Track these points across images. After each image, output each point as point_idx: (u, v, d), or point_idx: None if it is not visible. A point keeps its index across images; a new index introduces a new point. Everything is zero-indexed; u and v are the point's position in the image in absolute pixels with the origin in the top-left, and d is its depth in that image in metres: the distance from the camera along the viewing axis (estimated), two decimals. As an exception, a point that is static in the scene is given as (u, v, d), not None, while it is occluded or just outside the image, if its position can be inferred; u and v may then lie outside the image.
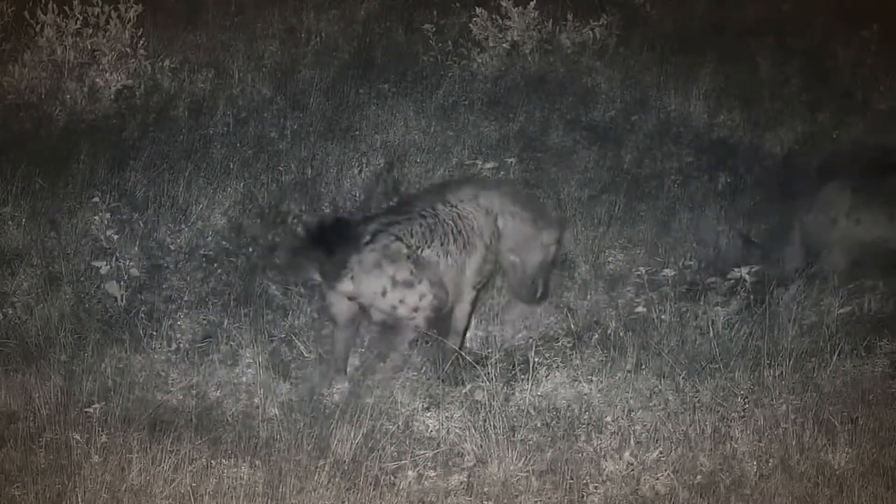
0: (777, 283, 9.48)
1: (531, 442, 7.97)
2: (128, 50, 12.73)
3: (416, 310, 8.48)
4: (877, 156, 10.10)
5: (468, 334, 9.15)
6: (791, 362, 8.58)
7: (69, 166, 11.21)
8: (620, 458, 7.67)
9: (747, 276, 9.38)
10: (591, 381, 8.58)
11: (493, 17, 13.38)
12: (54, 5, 12.71)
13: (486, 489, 7.58)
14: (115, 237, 9.80)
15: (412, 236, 8.59)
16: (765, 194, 10.84)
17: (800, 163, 11.45)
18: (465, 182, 9.19)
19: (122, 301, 9.43)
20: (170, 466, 7.55)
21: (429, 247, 8.58)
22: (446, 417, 8.24)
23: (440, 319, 8.78)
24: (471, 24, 13.43)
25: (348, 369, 8.78)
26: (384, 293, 8.45)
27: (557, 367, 8.78)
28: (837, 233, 9.77)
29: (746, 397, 8.22)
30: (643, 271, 9.56)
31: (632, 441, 7.90)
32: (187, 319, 9.29)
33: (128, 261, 9.68)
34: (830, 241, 9.77)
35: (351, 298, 8.48)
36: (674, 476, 7.60)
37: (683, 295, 9.58)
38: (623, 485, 7.57)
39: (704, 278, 9.84)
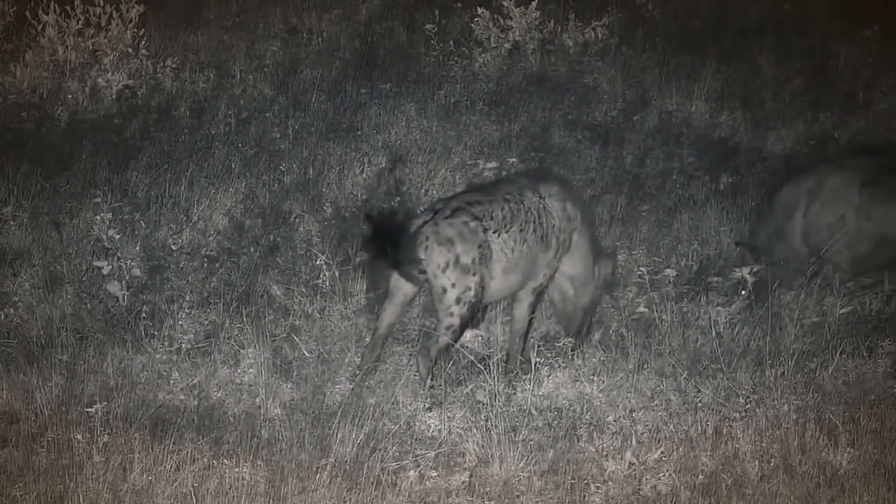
0: (779, 284, 9.48)
1: (533, 442, 7.97)
2: (129, 50, 12.74)
3: (458, 301, 8.48)
4: (886, 153, 10.11)
5: (470, 334, 9.18)
6: (793, 362, 8.58)
7: (71, 166, 11.22)
8: (622, 458, 7.67)
9: (749, 276, 9.38)
10: (593, 381, 8.58)
11: (495, 17, 13.39)
12: (56, 5, 12.73)
13: (487, 489, 7.58)
14: (117, 237, 9.80)
15: (492, 218, 8.61)
16: (765, 191, 10.84)
17: (803, 159, 11.46)
18: (557, 182, 9.15)
19: (123, 301, 9.43)
20: (171, 466, 7.55)
21: (507, 231, 8.60)
22: (448, 417, 8.25)
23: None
24: (472, 24, 13.44)
25: (350, 370, 8.79)
26: (444, 269, 8.46)
27: (559, 366, 8.78)
28: (845, 229, 9.73)
29: (748, 397, 8.22)
30: (644, 271, 9.56)
31: (633, 441, 7.90)
32: (189, 319, 9.29)
33: (129, 261, 9.68)
34: (837, 237, 9.74)
35: (421, 272, 8.50)
36: (675, 476, 7.60)
37: (685, 295, 9.58)
38: (625, 485, 7.57)
39: (706, 278, 9.84)
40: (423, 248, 8.46)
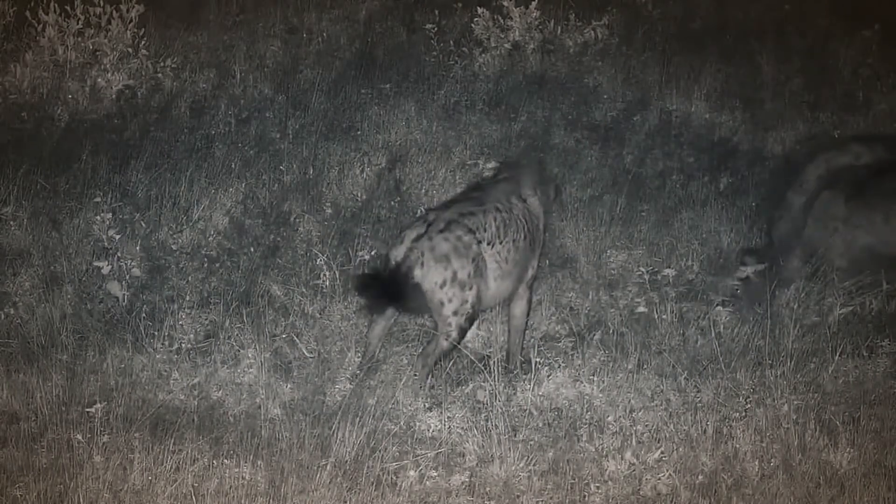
0: (779, 283, 9.49)
1: (533, 442, 7.98)
2: (129, 50, 12.74)
3: (455, 313, 8.50)
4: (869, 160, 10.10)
5: (470, 334, 9.19)
6: (793, 362, 8.59)
7: (71, 166, 11.21)
8: (622, 458, 7.67)
9: (752, 276, 9.39)
10: (593, 380, 8.59)
11: (495, 17, 13.38)
12: (56, 5, 12.72)
13: (487, 489, 7.59)
14: (117, 237, 9.80)
15: (485, 230, 8.61)
16: (770, 196, 10.83)
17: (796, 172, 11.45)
18: (529, 174, 9.13)
19: (123, 301, 9.43)
20: (172, 466, 7.55)
21: (501, 243, 8.61)
22: (448, 417, 8.25)
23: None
24: (472, 24, 13.43)
25: (350, 370, 8.79)
26: (442, 286, 8.46)
27: (559, 366, 8.79)
28: (838, 240, 9.75)
29: (748, 397, 8.22)
30: (644, 271, 9.56)
31: (633, 441, 7.91)
32: (189, 319, 9.29)
33: (129, 261, 9.68)
34: (831, 248, 9.76)
35: (418, 291, 8.50)
36: (675, 476, 7.60)
37: (684, 295, 9.58)
38: (625, 485, 7.58)
39: (706, 278, 9.85)
40: (419, 265, 8.45)
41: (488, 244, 8.59)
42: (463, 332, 8.59)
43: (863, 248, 9.70)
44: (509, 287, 8.76)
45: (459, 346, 8.76)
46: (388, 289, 8.46)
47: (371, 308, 8.74)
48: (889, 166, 9.88)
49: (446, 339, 8.54)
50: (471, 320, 8.58)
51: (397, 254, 8.52)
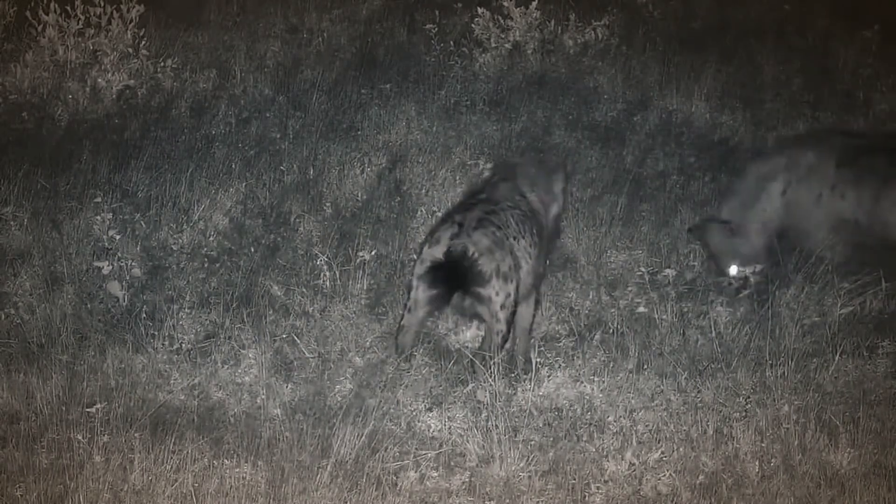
0: (780, 283, 9.49)
1: (533, 442, 7.98)
2: (130, 50, 12.74)
3: (502, 307, 8.51)
4: (865, 138, 10.05)
5: (470, 333, 9.18)
6: (793, 362, 8.59)
7: (71, 166, 11.22)
8: (622, 459, 7.68)
9: (752, 276, 9.39)
10: (593, 381, 8.58)
11: (495, 17, 13.39)
12: (56, 5, 12.72)
13: (488, 489, 7.59)
14: (117, 237, 9.80)
15: (509, 227, 8.65)
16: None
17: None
18: (523, 172, 9.15)
19: (124, 301, 9.43)
20: (172, 466, 7.55)
21: (523, 237, 8.63)
22: (448, 418, 8.25)
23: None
24: (473, 25, 13.44)
25: (351, 370, 8.80)
26: (489, 279, 8.47)
27: (559, 367, 8.78)
28: (822, 208, 9.67)
29: (748, 397, 8.22)
30: (644, 271, 9.56)
31: (634, 441, 7.91)
32: (189, 319, 9.29)
33: (130, 261, 9.68)
34: (816, 216, 9.68)
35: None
36: (676, 476, 7.61)
37: (684, 295, 9.59)
38: (625, 485, 7.58)
39: (706, 278, 9.85)
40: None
41: (514, 239, 8.62)
42: (509, 326, 8.60)
43: (852, 225, 9.61)
44: (531, 284, 8.79)
45: (461, 347, 8.77)
46: (455, 277, 8.44)
47: (437, 301, 8.66)
48: (883, 147, 9.79)
49: (497, 336, 8.56)
50: (514, 314, 8.61)
51: (436, 252, 8.51)
